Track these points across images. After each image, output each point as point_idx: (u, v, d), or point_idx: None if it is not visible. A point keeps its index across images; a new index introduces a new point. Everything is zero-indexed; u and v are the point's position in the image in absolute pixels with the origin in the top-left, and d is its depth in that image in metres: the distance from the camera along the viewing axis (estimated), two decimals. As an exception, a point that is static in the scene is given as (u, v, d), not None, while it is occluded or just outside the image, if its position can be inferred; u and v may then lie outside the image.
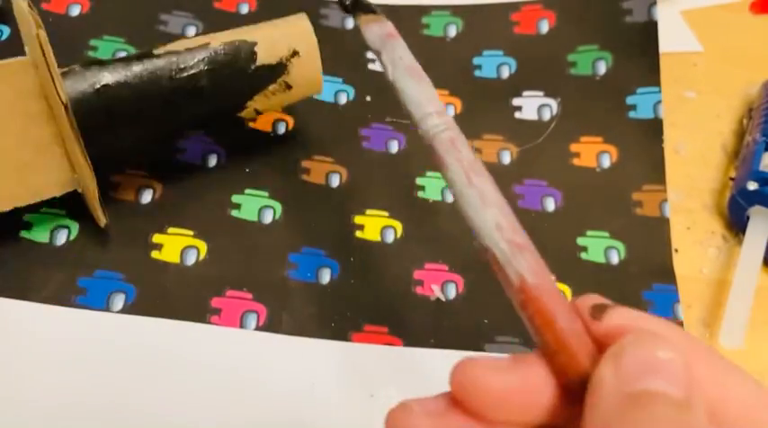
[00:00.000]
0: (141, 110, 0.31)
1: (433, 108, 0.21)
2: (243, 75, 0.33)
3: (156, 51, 0.32)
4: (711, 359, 0.17)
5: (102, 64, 0.31)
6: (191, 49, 0.32)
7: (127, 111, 0.31)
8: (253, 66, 0.33)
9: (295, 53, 0.33)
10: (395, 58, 0.23)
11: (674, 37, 0.43)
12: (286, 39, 0.33)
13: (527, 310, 0.17)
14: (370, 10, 0.25)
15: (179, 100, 0.32)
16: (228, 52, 0.32)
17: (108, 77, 0.31)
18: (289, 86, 0.34)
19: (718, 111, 0.41)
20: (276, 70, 0.33)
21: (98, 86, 0.30)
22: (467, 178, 0.19)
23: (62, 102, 0.29)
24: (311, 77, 0.34)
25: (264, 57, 0.33)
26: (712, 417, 0.16)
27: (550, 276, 0.18)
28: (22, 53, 0.38)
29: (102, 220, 0.32)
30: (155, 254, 0.33)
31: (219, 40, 0.32)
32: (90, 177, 0.30)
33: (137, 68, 0.31)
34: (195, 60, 0.32)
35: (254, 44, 0.33)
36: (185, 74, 0.31)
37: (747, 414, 0.16)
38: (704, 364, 0.17)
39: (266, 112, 0.36)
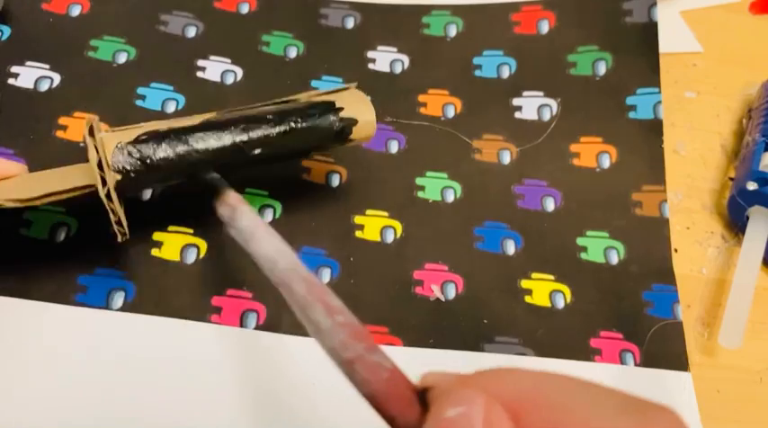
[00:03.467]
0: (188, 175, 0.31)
1: (281, 258, 0.24)
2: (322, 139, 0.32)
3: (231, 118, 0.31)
4: (542, 392, 0.18)
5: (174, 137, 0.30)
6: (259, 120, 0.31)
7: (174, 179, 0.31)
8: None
9: (355, 121, 0.32)
10: (241, 229, 0.26)
11: (673, 37, 0.43)
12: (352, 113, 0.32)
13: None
14: (220, 192, 0.28)
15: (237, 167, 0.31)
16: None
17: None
18: (350, 141, 0.33)
19: (718, 111, 0.41)
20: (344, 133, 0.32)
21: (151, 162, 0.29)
22: (324, 309, 0.22)
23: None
24: (368, 132, 0.33)
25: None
26: None
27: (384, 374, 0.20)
28: (22, 53, 0.39)
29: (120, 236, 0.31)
30: (155, 252, 0.33)
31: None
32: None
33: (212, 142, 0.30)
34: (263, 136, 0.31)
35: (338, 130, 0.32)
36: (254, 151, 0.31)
37: None
38: (525, 403, 0.18)
39: None
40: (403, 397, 0.19)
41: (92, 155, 0.28)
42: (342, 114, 0.32)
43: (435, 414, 0.18)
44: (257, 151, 0.30)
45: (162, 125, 0.30)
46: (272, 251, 0.24)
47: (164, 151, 0.29)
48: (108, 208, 0.28)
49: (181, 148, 0.29)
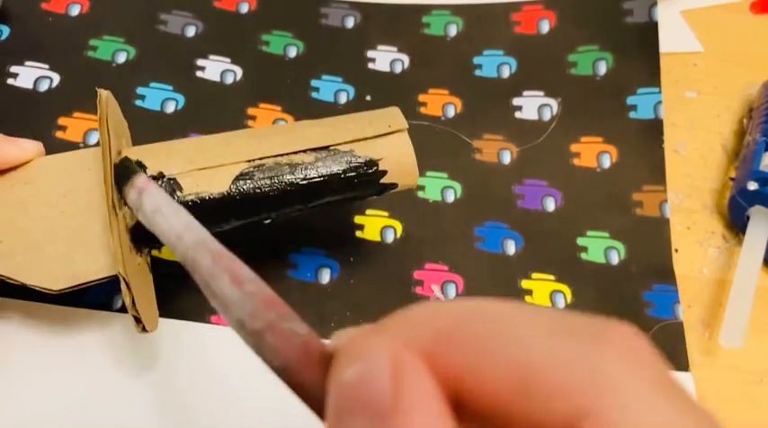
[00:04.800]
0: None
1: (187, 232, 0.21)
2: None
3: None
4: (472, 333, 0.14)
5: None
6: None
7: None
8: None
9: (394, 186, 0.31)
10: (146, 209, 0.24)
11: (674, 37, 0.43)
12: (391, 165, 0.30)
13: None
14: (128, 176, 0.26)
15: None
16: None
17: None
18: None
19: (719, 111, 0.41)
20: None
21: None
22: (230, 279, 0.19)
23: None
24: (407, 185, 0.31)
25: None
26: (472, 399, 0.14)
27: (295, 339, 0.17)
28: (21, 53, 0.39)
29: (138, 328, 0.28)
30: (154, 253, 0.33)
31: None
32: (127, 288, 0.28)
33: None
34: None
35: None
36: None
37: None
38: (454, 344, 0.14)
39: None
40: (316, 364, 0.16)
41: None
42: (383, 180, 0.30)
43: (332, 378, 0.15)
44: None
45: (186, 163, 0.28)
46: (178, 225, 0.21)
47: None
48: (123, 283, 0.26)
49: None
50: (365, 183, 0.30)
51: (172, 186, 0.28)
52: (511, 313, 0.15)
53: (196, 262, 0.20)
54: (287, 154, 0.29)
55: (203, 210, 0.28)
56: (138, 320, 0.26)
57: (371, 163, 0.29)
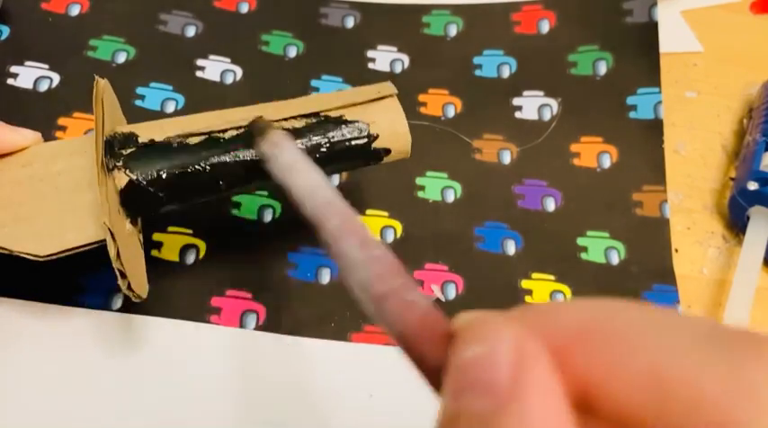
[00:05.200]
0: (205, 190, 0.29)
1: (318, 191, 0.22)
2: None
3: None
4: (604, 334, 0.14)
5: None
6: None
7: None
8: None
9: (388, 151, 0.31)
10: (281, 164, 0.24)
11: (674, 37, 0.43)
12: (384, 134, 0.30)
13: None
14: (265, 130, 0.27)
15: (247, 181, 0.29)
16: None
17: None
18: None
19: (719, 111, 0.41)
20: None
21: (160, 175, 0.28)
22: (358, 241, 0.19)
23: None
24: (402, 150, 0.31)
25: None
26: (596, 403, 0.14)
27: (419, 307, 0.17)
28: (21, 53, 0.39)
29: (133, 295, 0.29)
30: (154, 253, 0.33)
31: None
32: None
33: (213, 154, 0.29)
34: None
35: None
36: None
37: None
38: (585, 344, 0.14)
39: None
40: (434, 338, 0.16)
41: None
42: (376, 144, 0.30)
43: (453, 355, 0.15)
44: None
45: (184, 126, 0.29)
46: (310, 184, 0.22)
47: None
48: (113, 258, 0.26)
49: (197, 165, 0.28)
50: (358, 149, 0.30)
51: None
52: (651, 317, 0.14)
53: (324, 221, 0.21)
54: (277, 120, 0.29)
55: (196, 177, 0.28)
56: (122, 275, 0.26)
57: (362, 126, 0.30)
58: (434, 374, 0.16)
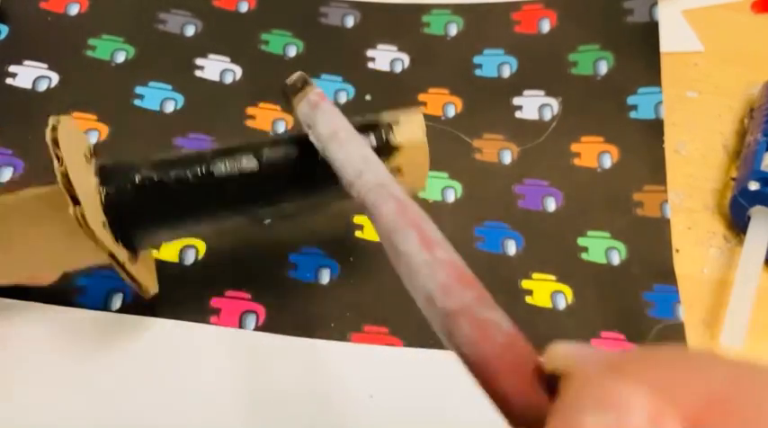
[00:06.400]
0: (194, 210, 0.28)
1: (367, 169, 0.19)
2: (322, 180, 0.27)
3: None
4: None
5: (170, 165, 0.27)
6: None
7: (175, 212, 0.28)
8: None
9: (399, 170, 0.28)
10: (320, 131, 0.21)
11: (675, 37, 0.43)
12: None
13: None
14: (301, 87, 0.24)
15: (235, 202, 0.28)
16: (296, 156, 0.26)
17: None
18: None
19: (720, 110, 0.41)
20: None
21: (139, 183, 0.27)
22: (419, 238, 0.16)
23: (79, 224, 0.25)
24: (414, 186, 0.29)
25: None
26: None
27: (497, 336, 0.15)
28: (20, 53, 0.39)
29: (149, 293, 0.29)
30: (153, 254, 0.33)
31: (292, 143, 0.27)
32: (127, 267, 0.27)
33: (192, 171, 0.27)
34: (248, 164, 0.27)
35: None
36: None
37: None
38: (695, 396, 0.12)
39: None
40: (523, 373, 0.14)
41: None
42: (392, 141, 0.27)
43: (568, 414, 0.13)
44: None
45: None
46: (357, 159, 0.18)
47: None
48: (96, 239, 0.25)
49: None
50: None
51: None
52: None
53: (377, 208, 0.17)
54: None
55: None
56: (139, 286, 0.27)
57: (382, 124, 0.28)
58: (517, 413, 0.14)
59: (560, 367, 0.14)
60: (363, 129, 0.27)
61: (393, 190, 0.17)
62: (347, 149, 0.19)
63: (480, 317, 0.15)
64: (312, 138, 0.22)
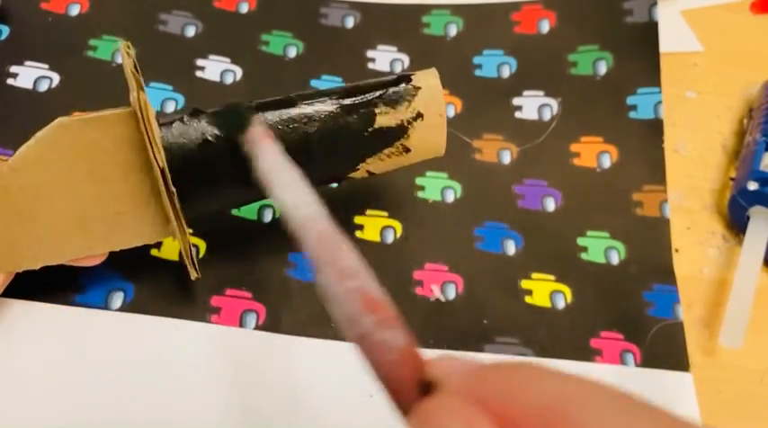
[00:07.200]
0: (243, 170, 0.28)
1: (298, 209, 0.21)
2: (357, 139, 0.29)
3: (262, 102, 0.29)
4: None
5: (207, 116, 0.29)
6: (304, 104, 0.30)
7: (228, 169, 0.28)
8: (369, 129, 0.29)
9: (419, 116, 0.30)
10: (261, 170, 0.23)
11: (674, 37, 0.43)
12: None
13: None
14: (246, 124, 0.25)
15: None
16: (341, 113, 0.29)
17: (211, 131, 0.28)
18: (407, 150, 0.31)
19: (719, 111, 0.41)
20: (394, 134, 0.30)
21: (200, 142, 0.28)
22: (334, 272, 0.18)
23: (158, 166, 0.27)
24: (434, 142, 0.31)
25: (384, 119, 0.30)
26: None
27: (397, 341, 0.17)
28: (21, 53, 0.39)
29: (194, 274, 0.30)
30: (154, 252, 0.33)
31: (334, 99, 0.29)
32: (182, 235, 0.29)
33: None
34: (307, 118, 0.29)
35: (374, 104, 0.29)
36: (295, 134, 0.29)
37: None
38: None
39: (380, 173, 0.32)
40: (405, 387, 0.16)
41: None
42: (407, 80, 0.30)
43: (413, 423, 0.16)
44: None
45: None
46: (289, 200, 0.21)
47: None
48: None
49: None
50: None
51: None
52: (616, 406, 0.15)
53: (304, 240, 0.20)
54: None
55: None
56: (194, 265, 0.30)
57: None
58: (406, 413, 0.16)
59: (437, 375, 0.17)
60: (381, 84, 0.30)
61: (319, 226, 0.20)
62: (281, 192, 0.21)
63: (377, 339, 0.17)
64: (254, 169, 0.24)
